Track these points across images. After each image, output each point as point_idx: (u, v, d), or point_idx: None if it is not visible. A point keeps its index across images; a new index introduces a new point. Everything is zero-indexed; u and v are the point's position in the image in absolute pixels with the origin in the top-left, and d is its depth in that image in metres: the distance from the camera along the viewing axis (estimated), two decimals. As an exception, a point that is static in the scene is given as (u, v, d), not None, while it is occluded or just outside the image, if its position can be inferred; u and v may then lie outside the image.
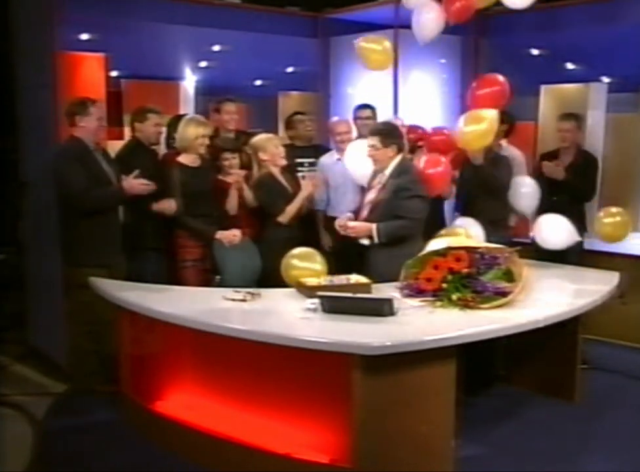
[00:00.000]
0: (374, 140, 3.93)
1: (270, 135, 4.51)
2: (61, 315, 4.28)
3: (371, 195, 4.02)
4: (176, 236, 4.22)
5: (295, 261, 3.77)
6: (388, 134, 3.95)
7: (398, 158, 3.96)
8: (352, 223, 3.90)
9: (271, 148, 4.35)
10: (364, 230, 3.87)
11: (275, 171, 4.40)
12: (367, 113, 4.94)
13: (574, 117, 4.74)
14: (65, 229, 4.05)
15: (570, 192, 4.60)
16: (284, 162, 4.41)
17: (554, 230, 4.24)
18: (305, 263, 3.77)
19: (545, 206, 4.67)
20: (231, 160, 4.36)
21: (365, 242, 3.90)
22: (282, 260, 3.82)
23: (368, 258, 3.95)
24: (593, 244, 4.69)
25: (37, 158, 4.57)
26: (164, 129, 4.61)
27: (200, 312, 3.25)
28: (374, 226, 3.84)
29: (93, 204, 3.93)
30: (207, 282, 4.17)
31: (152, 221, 4.19)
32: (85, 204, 3.91)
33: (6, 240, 5.87)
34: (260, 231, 4.39)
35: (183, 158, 4.24)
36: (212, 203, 4.26)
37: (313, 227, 4.82)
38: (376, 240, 3.85)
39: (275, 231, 4.32)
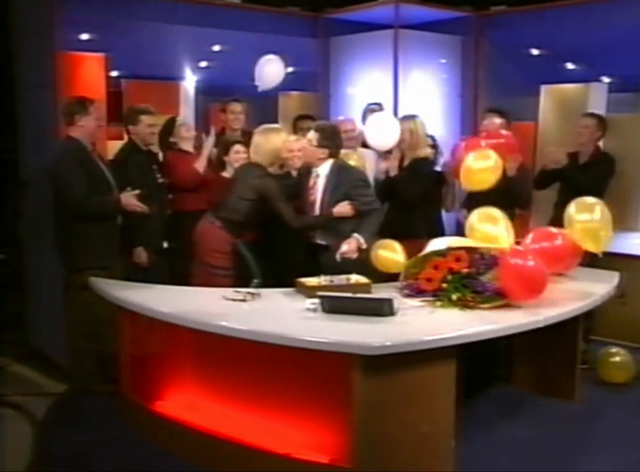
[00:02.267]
0: (313, 136, 4.01)
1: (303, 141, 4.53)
2: (61, 315, 4.28)
3: (314, 196, 4.06)
4: (218, 241, 4.07)
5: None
6: (327, 136, 4.00)
7: (331, 160, 4.02)
8: (344, 249, 3.87)
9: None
10: (355, 246, 3.88)
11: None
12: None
13: (595, 116, 4.77)
14: (64, 231, 4.04)
15: (576, 188, 4.60)
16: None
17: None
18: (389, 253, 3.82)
19: (557, 208, 4.69)
20: (242, 154, 4.37)
21: (355, 255, 3.89)
22: (292, 258, 3.94)
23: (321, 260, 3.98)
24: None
25: (37, 158, 4.57)
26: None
27: (200, 312, 3.25)
28: (358, 237, 3.87)
29: (92, 211, 3.92)
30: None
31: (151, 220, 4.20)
32: (85, 209, 3.90)
33: (6, 240, 5.87)
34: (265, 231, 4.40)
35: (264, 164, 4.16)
36: None
37: None
38: (364, 247, 3.88)
39: (283, 228, 4.34)
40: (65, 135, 4.03)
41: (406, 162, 4.63)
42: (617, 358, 4.29)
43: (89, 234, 3.95)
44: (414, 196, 4.48)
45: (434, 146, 4.91)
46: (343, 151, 4.22)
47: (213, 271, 4.07)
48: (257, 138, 4.19)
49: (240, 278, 4.00)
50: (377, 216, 4.01)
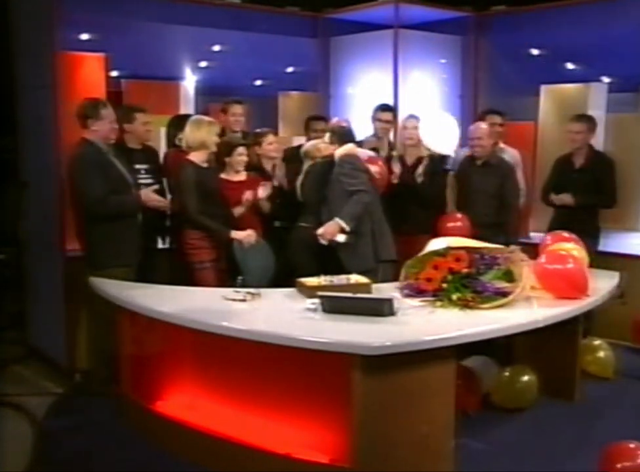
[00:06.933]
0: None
1: (319, 141, 4.54)
2: (61, 315, 4.28)
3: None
4: (189, 238, 4.14)
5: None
6: (335, 133, 4.31)
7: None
8: (320, 231, 4.05)
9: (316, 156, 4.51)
10: (333, 228, 4.03)
11: None
12: (387, 116, 4.95)
13: (585, 119, 4.77)
14: (87, 232, 4.01)
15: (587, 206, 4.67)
16: None
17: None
18: None
19: (558, 214, 4.72)
20: (244, 156, 4.39)
21: (341, 238, 4.03)
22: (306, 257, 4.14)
23: (337, 256, 4.11)
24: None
25: (37, 158, 4.57)
26: (161, 128, 4.60)
27: (200, 312, 3.25)
28: (337, 219, 4.02)
29: (111, 211, 3.91)
30: (224, 283, 4.06)
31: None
32: (103, 210, 3.89)
33: (6, 240, 5.87)
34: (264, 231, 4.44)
35: (194, 157, 4.17)
36: (220, 203, 4.26)
37: None
38: (346, 228, 4.01)
39: (300, 230, 4.42)
40: (80, 138, 3.99)
41: (410, 162, 4.73)
42: (600, 353, 4.30)
43: (111, 233, 3.93)
44: (435, 193, 4.72)
45: None
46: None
47: (198, 266, 4.13)
48: (188, 127, 4.21)
49: (225, 271, 4.16)
50: (359, 198, 4.07)
